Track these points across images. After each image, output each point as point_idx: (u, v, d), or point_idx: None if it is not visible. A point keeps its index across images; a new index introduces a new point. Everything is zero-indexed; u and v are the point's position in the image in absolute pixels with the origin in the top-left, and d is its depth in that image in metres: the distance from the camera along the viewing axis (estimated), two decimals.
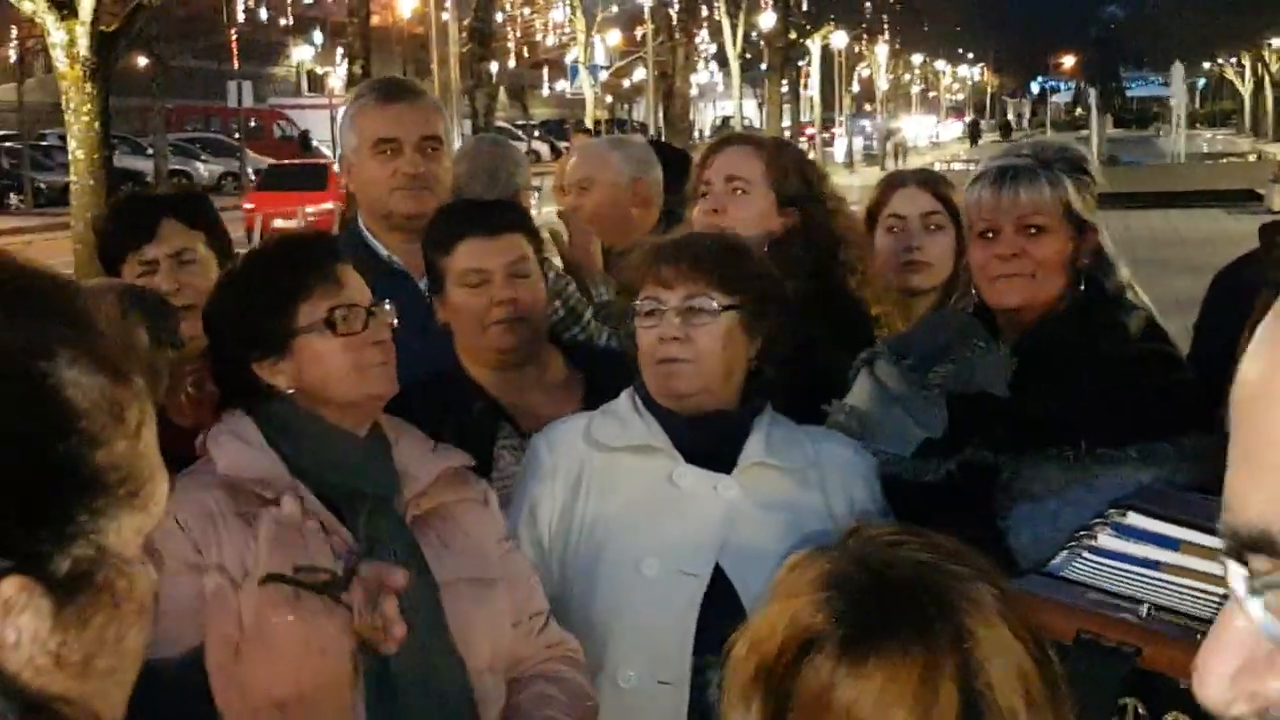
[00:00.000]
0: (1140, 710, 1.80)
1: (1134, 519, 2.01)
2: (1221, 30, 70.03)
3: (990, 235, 2.90)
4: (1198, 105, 49.51)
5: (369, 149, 3.50)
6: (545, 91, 68.89)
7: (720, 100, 59.82)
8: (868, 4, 65.67)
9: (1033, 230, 2.87)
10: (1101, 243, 3.01)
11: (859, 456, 2.82)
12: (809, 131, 52.43)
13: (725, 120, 52.15)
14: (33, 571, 0.82)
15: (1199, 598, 1.85)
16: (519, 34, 57.89)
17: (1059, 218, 2.89)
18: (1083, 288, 2.97)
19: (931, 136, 69.60)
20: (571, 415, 2.84)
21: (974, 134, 71.88)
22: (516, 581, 2.54)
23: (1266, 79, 72.96)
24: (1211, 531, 1.87)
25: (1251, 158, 37.76)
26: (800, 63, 56.29)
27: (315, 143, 44.61)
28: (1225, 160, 40.75)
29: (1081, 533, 2.04)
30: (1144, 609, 1.84)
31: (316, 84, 61.11)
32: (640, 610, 2.62)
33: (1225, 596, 1.69)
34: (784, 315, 2.77)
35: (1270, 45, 69.33)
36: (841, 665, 1.32)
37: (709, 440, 2.71)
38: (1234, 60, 79.62)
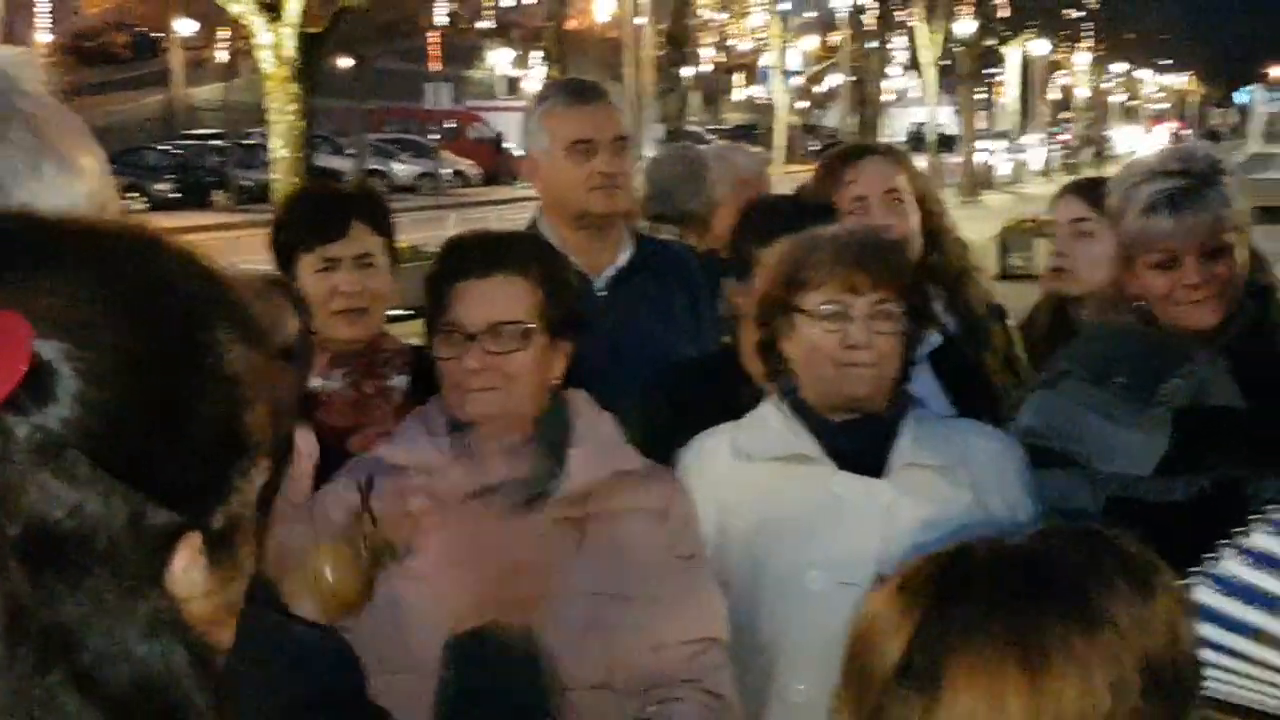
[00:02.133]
0: None
1: (1260, 540, 1.90)
2: None
3: (1169, 264, 2.84)
4: None
5: (563, 149, 3.54)
6: (739, 96, 68.91)
7: (912, 106, 59.21)
8: (1070, 10, 64.42)
9: (1213, 252, 2.82)
10: (1256, 247, 2.98)
11: (1007, 448, 2.78)
12: (1003, 140, 51.69)
13: (919, 126, 51.61)
14: (198, 527, 0.88)
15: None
16: (714, 39, 58.00)
17: (1231, 235, 2.84)
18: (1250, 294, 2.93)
19: (1129, 146, 68.07)
20: (715, 429, 2.79)
21: (1177, 142, 69.96)
22: (681, 602, 2.48)
23: None
24: None
25: None
26: (996, 69, 55.47)
27: (508, 145, 45.24)
28: None
29: (1207, 556, 1.94)
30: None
31: (512, 88, 61.98)
32: (808, 624, 2.58)
33: None
34: (930, 319, 2.76)
35: None
36: (910, 653, 1.28)
37: (860, 444, 2.68)
38: None
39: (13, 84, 1.33)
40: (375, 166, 39.62)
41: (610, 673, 2.40)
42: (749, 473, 2.70)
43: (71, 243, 0.89)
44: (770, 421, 2.72)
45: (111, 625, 0.83)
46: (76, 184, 1.30)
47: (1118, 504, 2.79)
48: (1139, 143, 69.88)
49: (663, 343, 3.46)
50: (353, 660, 1.68)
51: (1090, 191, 3.82)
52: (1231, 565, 1.89)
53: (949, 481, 2.68)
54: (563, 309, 2.48)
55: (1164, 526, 2.64)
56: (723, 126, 56.17)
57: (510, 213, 25.79)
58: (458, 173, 42.18)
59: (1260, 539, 1.90)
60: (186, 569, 0.88)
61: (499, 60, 62.48)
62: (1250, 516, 1.93)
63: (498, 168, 43.30)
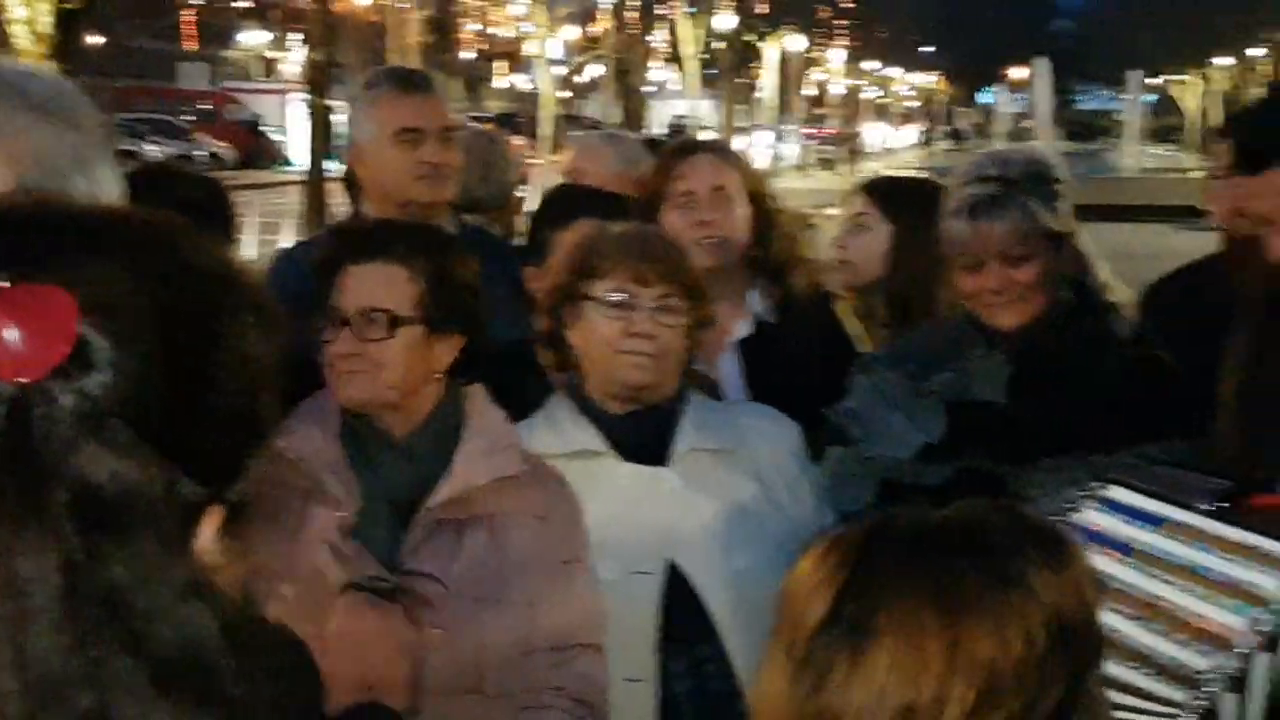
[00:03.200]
0: None
1: (1116, 492, 2.06)
2: (1170, 48, 70.80)
3: (974, 267, 2.96)
4: (1145, 121, 50.12)
5: (390, 137, 3.54)
6: (501, 84, 68.72)
7: (672, 100, 59.88)
8: (824, 9, 65.89)
9: (1014, 259, 2.94)
10: (1080, 246, 3.10)
11: (782, 428, 2.89)
12: (760, 134, 52.61)
13: (680, 118, 52.24)
14: (221, 501, 0.95)
15: (1153, 602, 1.89)
16: (477, 25, 57.74)
17: (1036, 240, 2.95)
18: (1070, 294, 3.05)
19: (884, 143, 69.95)
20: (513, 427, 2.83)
21: (928, 141, 72.43)
22: (556, 607, 2.49)
23: (1210, 97, 73.68)
24: (1189, 507, 1.97)
25: (1194, 174, 38.04)
26: (755, 64, 56.43)
27: (265, 128, 44.30)
28: (1172, 176, 41.11)
29: (1067, 506, 2.09)
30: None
31: (269, 70, 60.71)
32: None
33: (1173, 603, 1.70)
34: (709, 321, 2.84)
35: (1217, 64, 70.14)
36: (835, 619, 1.34)
37: (644, 434, 2.77)
38: (1180, 78, 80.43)
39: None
40: (126, 147, 38.46)
41: (481, 678, 2.40)
42: None
43: (110, 230, 0.95)
44: (556, 417, 2.78)
45: (155, 587, 0.89)
46: (114, 181, 1.46)
47: (887, 486, 2.91)
48: (890, 139, 71.87)
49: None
50: None
51: (875, 188, 3.97)
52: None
53: (731, 464, 2.78)
54: (449, 302, 2.48)
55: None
56: (484, 114, 55.96)
57: (272, 196, 25.26)
58: (213, 155, 41.14)
59: (1091, 515, 2.03)
60: (210, 541, 0.93)
61: (255, 41, 61.14)
62: (1080, 494, 2.07)
63: (254, 151, 42.40)
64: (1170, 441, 2.90)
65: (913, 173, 4.70)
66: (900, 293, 3.74)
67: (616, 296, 2.71)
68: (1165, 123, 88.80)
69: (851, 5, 68.60)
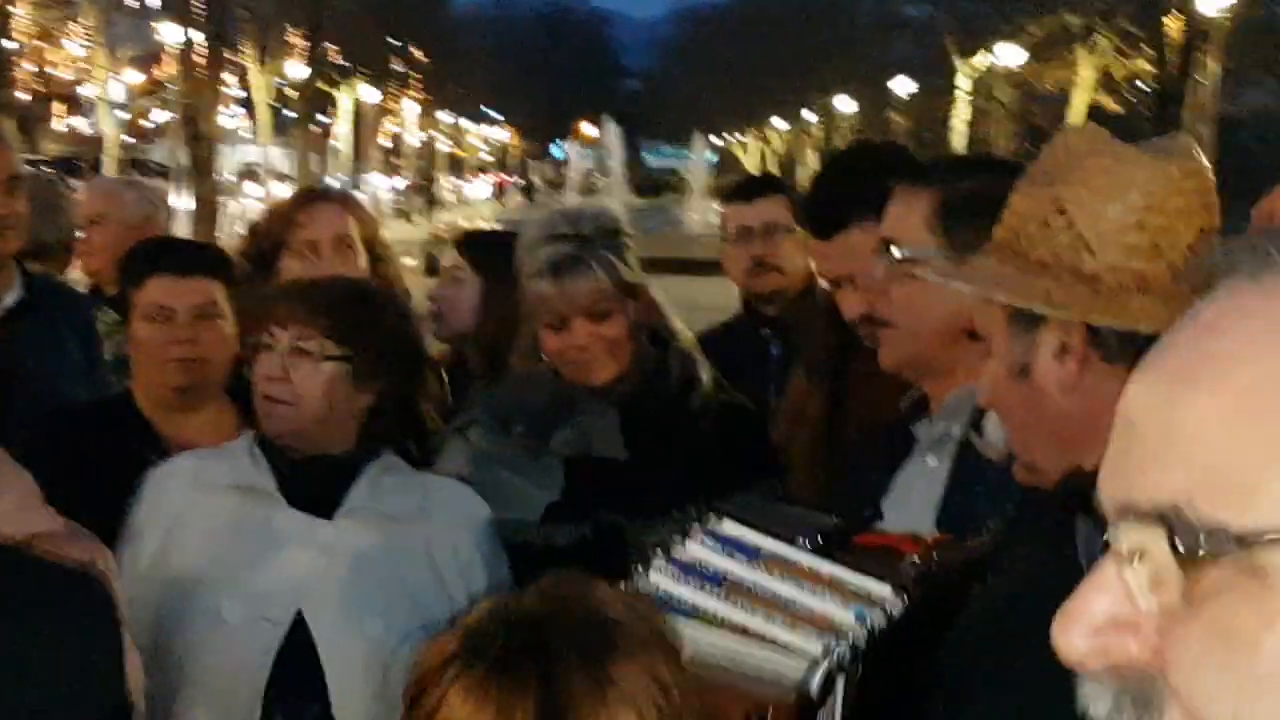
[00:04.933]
0: None
1: (726, 526, 2.09)
2: (731, 109, 74.07)
3: (560, 326, 2.99)
4: (709, 179, 52.44)
5: None
6: (63, 127, 65.68)
7: (243, 146, 58.60)
8: (397, 60, 65.91)
9: (599, 316, 2.99)
10: (653, 297, 3.17)
11: (473, 506, 2.82)
12: (336, 182, 52.05)
13: (251, 166, 51.15)
14: None
15: (742, 625, 1.93)
16: (33, 67, 55.06)
17: (618, 295, 3.01)
18: (653, 346, 3.13)
19: (460, 194, 70.47)
20: (184, 454, 2.76)
21: (501, 194, 73.37)
22: None
23: (771, 156, 77.52)
24: (791, 541, 2.01)
25: None
26: (326, 114, 55.89)
27: None
28: None
29: (676, 536, 2.12)
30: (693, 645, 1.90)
31: None
32: (218, 656, 2.56)
33: (759, 630, 1.77)
34: (405, 367, 2.77)
35: (774, 125, 73.89)
36: (451, 691, 1.42)
37: (316, 484, 2.68)
38: (740, 137, 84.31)
39: None
40: None
41: None
42: (203, 500, 2.65)
43: None
44: (236, 452, 2.70)
45: None
46: None
47: (512, 550, 2.88)
48: (466, 191, 72.41)
49: (54, 386, 3.27)
50: None
51: (467, 242, 4.01)
52: (691, 548, 2.07)
53: (401, 531, 2.69)
54: None
55: (551, 570, 2.83)
56: (41, 158, 53.29)
57: None
58: None
59: (693, 547, 2.06)
60: None
61: None
62: (693, 524, 2.11)
63: None
64: (767, 483, 3.01)
65: (488, 225, 4.83)
66: (491, 344, 3.76)
67: (260, 340, 2.66)
68: (727, 180, 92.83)
69: (425, 60, 68.93)
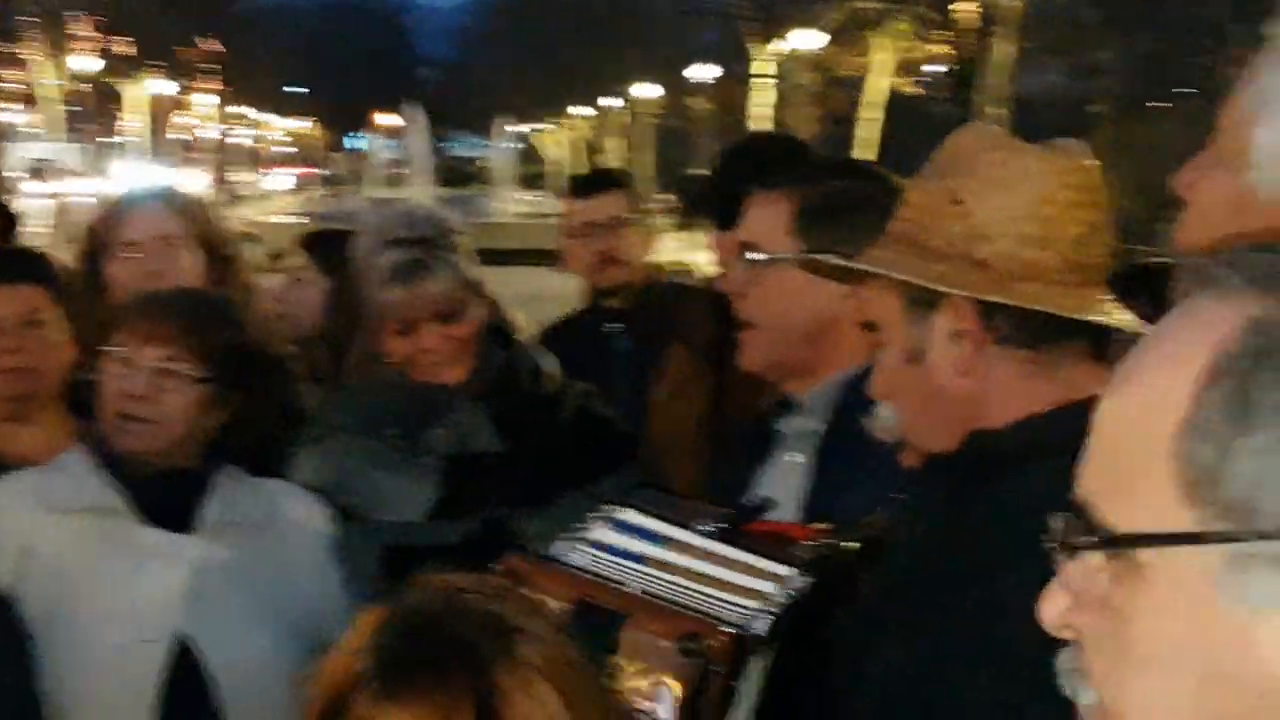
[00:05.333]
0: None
1: (629, 515, 2.16)
2: (533, 97, 73.98)
3: (408, 331, 3.00)
4: (513, 168, 52.48)
5: None
6: None
7: (29, 142, 56.87)
8: (187, 52, 64.48)
9: (449, 317, 3.01)
10: (489, 294, 3.23)
11: (312, 509, 2.81)
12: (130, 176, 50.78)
13: (41, 162, 49.65)
14: None
15: (680, 580, 2.02)
16: None
17: (462, 295, 3.05)
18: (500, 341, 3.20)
19: (260, 188, 69.36)
20: (18, 474, 2.66)
21: (300, 187, 72.41)
22: None
23: (576, 144, 77.63)
24: (691, 528, 2.08)
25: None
26: (118, 108, 54.52)
27: None
28: (541, 221, 42.89)
29: (579, 527, 2.19)
30: (635, 587, 2.03)
31: None
32: (97, 683, 2.50)
33: (690, 589, 1.86)
34: (264, 383, 2.73)
35: (578, 113, 73.97)
36: (375, 711, 1.39)
37: (168, 499, 2.63)
38: (544, 126, 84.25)
39: None
40: None
41: None
42: (52, 524, 2.57)
43: None
44: (74, 470, 2.60)
45: None
46: None
47: (396, 551, 2.87)
48: (266, 185, 71.29)
49: None
50: None
51: (311, 242, 3.96)
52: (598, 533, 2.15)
53: (256, 540, 2.67)
54: None
55: (444, 569, 2.84)
56: None
57: None
58: None
59: (602, 533, 2.14)
60: None
61: None
62: (595, 515, 2.19)
63: None
64: (629, 468, 3.05)
65: (290, 218, 4.78)
66: (341, 346, 3.71)
67: (117, 354, 2.58)
68: (531, 169, 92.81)
69: (221, 51, 67.60)
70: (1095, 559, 0.88)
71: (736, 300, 2.63)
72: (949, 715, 1.69)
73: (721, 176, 3.21)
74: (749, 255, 2.53)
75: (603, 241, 4.31)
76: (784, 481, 2.53)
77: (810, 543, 2.03)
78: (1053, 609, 0.93)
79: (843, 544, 2.03)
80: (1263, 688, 0.81)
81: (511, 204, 42.69)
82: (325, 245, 3.97)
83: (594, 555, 2.11)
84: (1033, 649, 1.66)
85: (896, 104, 38.98)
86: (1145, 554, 0.85)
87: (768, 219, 2.53)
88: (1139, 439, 0.85)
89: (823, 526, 2.11)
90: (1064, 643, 1.64)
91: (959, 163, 1.85)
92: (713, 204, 3.05)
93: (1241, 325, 0.82)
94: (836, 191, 2.51)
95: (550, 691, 1.41)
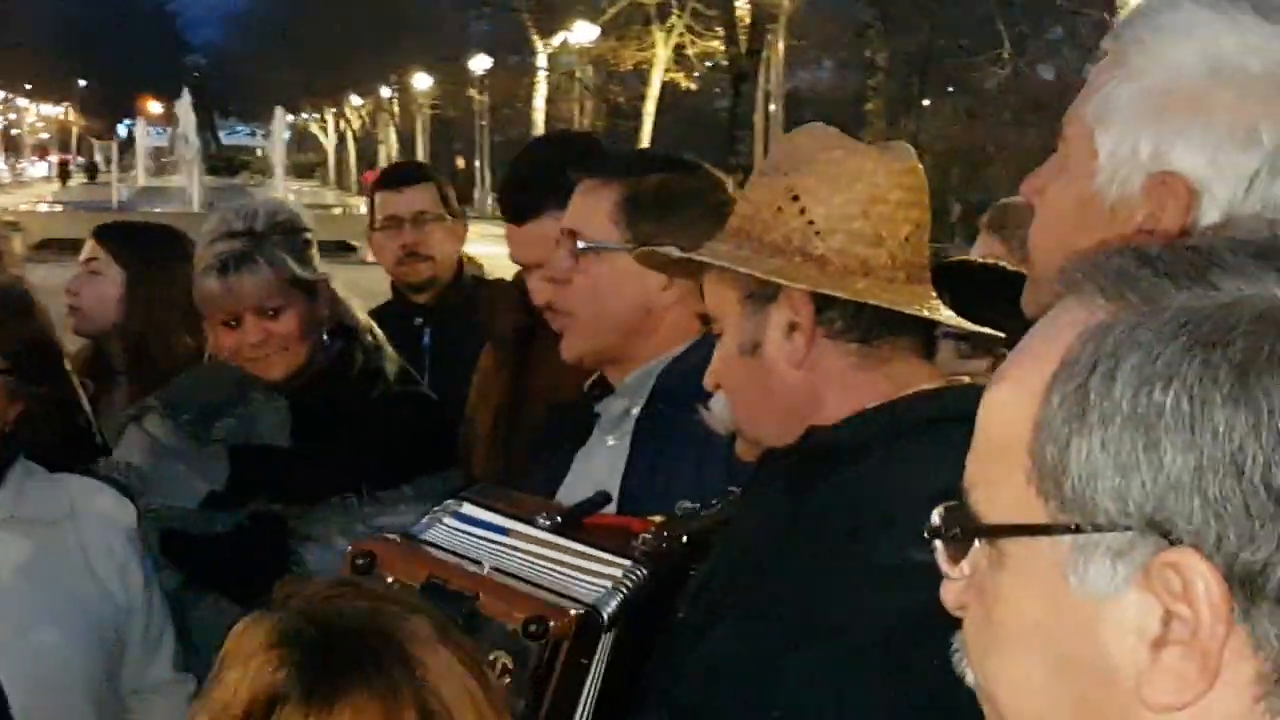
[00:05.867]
0: None
1: (469, 509, 2.17)
2: (307, 86, 72.80)
3: (233, 324, 3.04)
4: (287, 157, 51.47)
5: None
6: None
7: None
8: None
9: (270, 312, 3.03)
10: (334, 290, 3.18)
11: (119, 507, 2.75)
12: None
13: None
14: None
15: (529, 562, 2.04)
16: None
17: (289, 291, 3.06)
18: (339, 337, 3.17)
19: (19, 176, 66.95)
20: None
21: (64, 174, 70.11)
22: None
23: (349, 134, 76.71)
24: (531, 522, 2.09)
25: (337, 210, 39.38)
26: None
27: None
28: (319, 211, 42.27)
29: (429, 515, 2.18)
30: (485, 567, 2.03)
31: None
32: None
33: (549, 563, 1.89)
34: (57, 376, 2.67)
35: (352, 102, 73.07)
36: (310, 716, 1.36)
37: None
38: (318, 115, 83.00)
39: None
40: None
41: None
42: None
43: None
44: None
45: None
46: None
47: (169, 536, 2.91)
48: (26, 172, 68.85)
49: None
50: None
51: (107, 234, 3.84)
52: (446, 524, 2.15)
53: (52, 536, 2.61)
54: None
55: (209, 558, 2.90)
56: None
57: None
58: None
59: (447, 525, 2.15)
60: None
61: None
62: (437, 509, 2.19)
63: None
64: (446, 471, 3.06)
65: (48, 206, 4.63)
66: (137, 339, 3.64)
67: None
68: (304, 159, 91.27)
69: None
70: (978, 544, 0.92)
71: (558, 289, 2.62)
72: (775, 693, 1.73)
73: (520, 171, 3.20)
74: (580, 244, 2.52)
75: (409, 235, 4.25)
76: (600, 466, 2.55)
77: (646, 537, 2.05)
78: (948, 591, 0.96)
79: (678, 536, 2.05)
80: (1105, 673, 0.85)
81: (285, 194, 41.94)
82: (120, 235, 3.85)
83: (451, 530, 2.12)
84: (857, 636, 1.74)
85: (673, 98, 39.41)
86: (1009, 543, 0.90)
87: (593, 207, 2.52)
88: (1005, 434, 0.90)
89: (659, 519, 2.14)
90: (883, 631, 1.72)
91: (797, 160, 1.88)
92: (510, 197, 3.05)
93: (1084, 331, 0.88)
94: (662, 183, 2.51)
95: (456, 662, 1.43)
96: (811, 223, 1.86)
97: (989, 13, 32.56)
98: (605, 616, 1.93)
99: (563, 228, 2.57)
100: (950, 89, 41.40)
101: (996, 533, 0.91)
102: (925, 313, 1.86)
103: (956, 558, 0.94)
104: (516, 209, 3.01)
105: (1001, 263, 2.58)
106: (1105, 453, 0.84)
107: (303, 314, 3.05)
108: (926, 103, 39.80)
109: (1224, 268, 0.86)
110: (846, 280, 1.84)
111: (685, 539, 2.08)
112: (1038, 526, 0.88)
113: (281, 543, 2.95)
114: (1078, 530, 0.86)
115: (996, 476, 0.91)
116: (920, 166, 1.93)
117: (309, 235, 3.13)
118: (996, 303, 2.02)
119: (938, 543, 0.95)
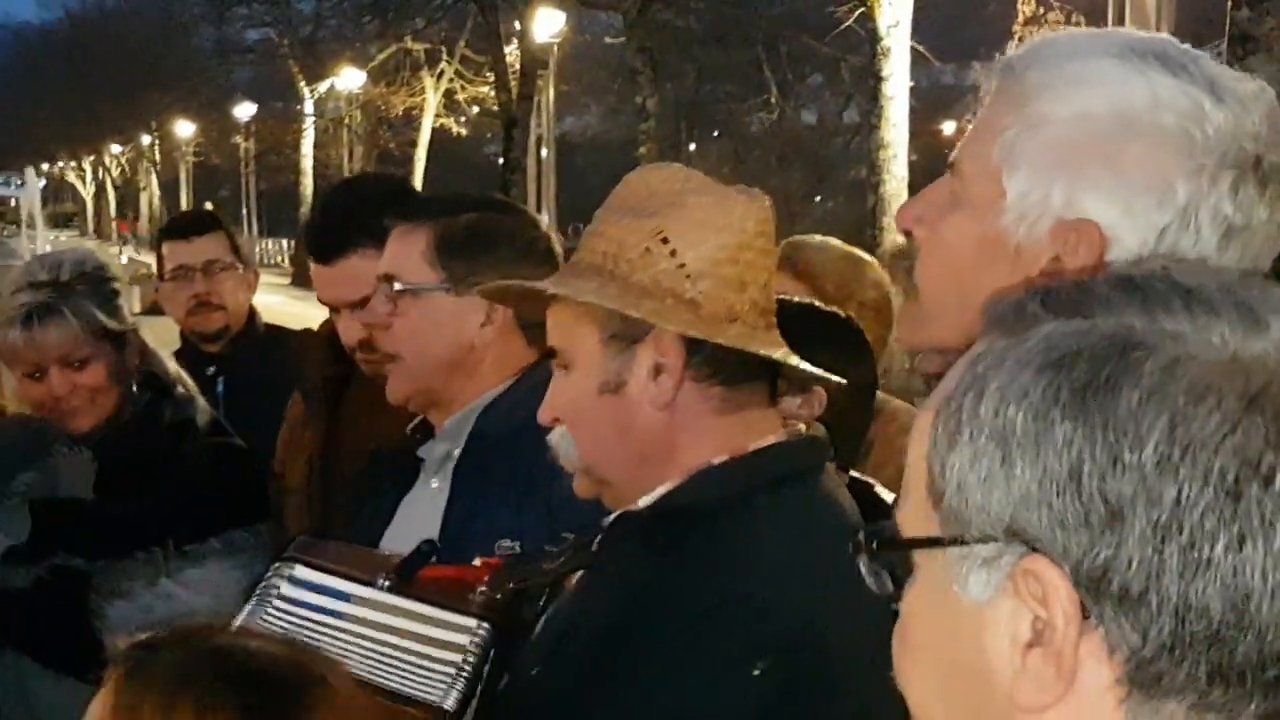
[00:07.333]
0: None
1: (302, 571, 2.12)
2: (63, 134, 70.71)
3: (37, 376, 3.00)
4: (41, 206, 49.91)
5: None
6: None
7: None
8: None
9: (76, 364, 2.99)
10: (144, 340, 3.15)
11: None
12: None
13: None
14: None
15: (374, 652, 1.99)
16: None
17: (96, 342, 3.01)
18: (145, 389, 3.11)
19: None
20: None
21: None
22: None
23: (108, 182, 74.71)
24: (371, 584, 2.05)
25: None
26: None
27: None
28: None
29: (263, 584, 2.13)
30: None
31: None
32: None
33: (393, 651, 1.85)
34: None
35: (111, 151, 71.18)
36: None
37: None
38: (75, 164, 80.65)
39: None
40: None
41: None
42: None
43: None
44: None
45: None
46: None
47: None
48: None
49: None
50: None
51: None
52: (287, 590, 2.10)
53: None
54: None
55: (11, 614, 2.87)
56: None
57: None
58: None
59: (286, 592, 2.11)
60: None
61: None
62: (271, 573, 2.15)
63: None
64: (258, 524, 3.02)
65: None
66: None
67: None
68: (62, 208, 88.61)
69: None
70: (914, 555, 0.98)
71: (379, 335, 2.61)
72: None
73: (325, 213, 3.19)
74: (397, 286, 2.52)
75: (200, 284, 4.15)
76: (424, 509, 2.54)
77: (483, 590, 2.03)
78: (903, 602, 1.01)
79: (516, 586, 2.04)
80: (986, 676, 0.91)
81: (44, 244, 40.63)
82: None
83: (286, 614, 2.06)
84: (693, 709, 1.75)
85: (444, 143, 39.29)
86: (917, 555, 0.95)
87: (407, 250, 2.52)
88: (915, 453, 0.96)
89: (494, 562, 2.12)
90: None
91: (661, 202, 1.88)
92: (317, 239, 3.03)
93: (966, 359, 0.95)
94: (473, 223, 2.52)
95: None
96: (683, 265, 1.86)
97: (755, 58, 33.25)
98: (450, 711, 1.90)
99: (380, 273, 2.58)
100: (717, 133, 42.16)
101: (897, 545, 0.96)
102: (793, 360, 1.89)
103: (876, 571, 0.99)
104: (323, 250, 2.99)
105: (816, 302, 2.64)
106: (972, 467, 0.90)
107: (110, 365, 3.01)
108: (694, 146, 40.47)
109: (1097, 301, 0.92)
110: (718, 326, 1.85)
111: (522, 588, 2.06)
112: (927, 539, 0.93)
113: (83, 597, 2.88)
114: (958, 542, 0.91)
115: (909, 492, 0.96)
116: (772, 215, 1.95)
117: (117, 285, 3.08)
118: (822, 344, 2.07)
119: (862, 559, 0.99)
